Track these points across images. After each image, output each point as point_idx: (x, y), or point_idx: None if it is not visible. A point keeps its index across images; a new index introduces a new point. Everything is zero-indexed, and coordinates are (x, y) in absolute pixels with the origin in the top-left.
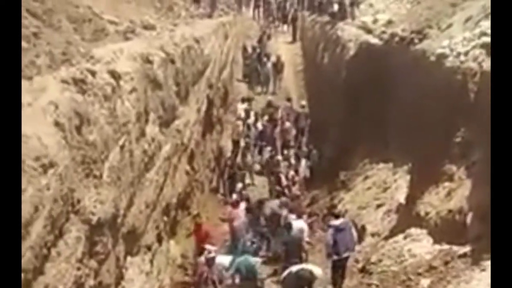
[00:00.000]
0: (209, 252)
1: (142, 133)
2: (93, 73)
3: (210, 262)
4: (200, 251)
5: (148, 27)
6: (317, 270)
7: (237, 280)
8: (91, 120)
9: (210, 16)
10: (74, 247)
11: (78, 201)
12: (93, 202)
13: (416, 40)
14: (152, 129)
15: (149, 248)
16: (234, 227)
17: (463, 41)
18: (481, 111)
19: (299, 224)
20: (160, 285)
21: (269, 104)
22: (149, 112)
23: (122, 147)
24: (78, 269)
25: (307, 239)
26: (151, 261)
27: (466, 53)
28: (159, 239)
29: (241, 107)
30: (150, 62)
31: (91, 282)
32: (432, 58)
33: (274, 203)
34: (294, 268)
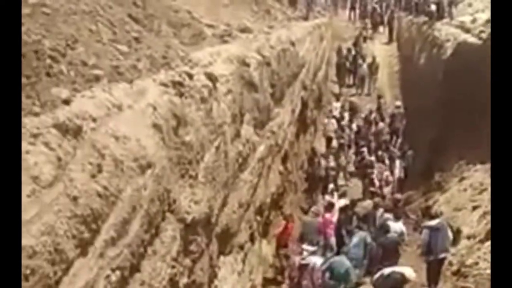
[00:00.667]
0: (303, 253)
1: (237, 134)
2: (190, 76)
3: (303, 266)
4: (281, 249)
5: (245, 30)
6: (409, 272)
7: (327, 279)
8: (188, 121)
9: (306, 18)
10: (169, 246)
11: (174, 201)
12: (188, 201)
13: None
14: (247, 130)
15: (241, 247)
16: (327, 227)
17: None
18: None
19: (397, 226)
20: (252, 284)
21: (353, 105)
22: (244, 114)
23: (217, 148)
24: (173, 267)
25: (404, 241)
26: (243, 261)
27: None
28: (252, 239)
29: (335, 106)
30: (246, 64)
31: (185, 280)
32: None
33: (366, 203)
34: (386, 271)
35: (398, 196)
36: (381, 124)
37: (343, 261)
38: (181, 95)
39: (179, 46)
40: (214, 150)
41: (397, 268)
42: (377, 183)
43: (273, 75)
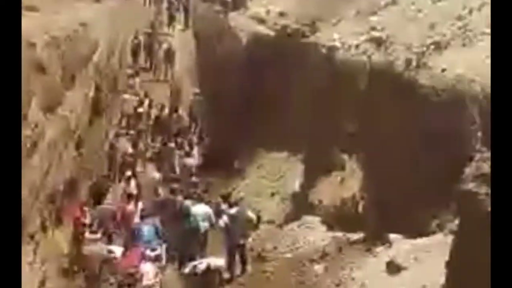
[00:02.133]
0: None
1: (25, 117)
2: None
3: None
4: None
5: (31, 9)
6: (220, 262)
7: None
8: None
9: (97, 0)
10: None
11: None
12: None
13: (307, 33)
14: (35, 113)
15: (32, 237)
16: (127, 217)
17: (352, 35)
18: (371, 103)
19: (200, 209)
20: (44, 276)
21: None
22: (32, 96)
23: None
24: None
25: (207, 225)
26: (35, 251)
27: (356, 46)
28: (44, 228)
29: (128, 96)
30: (32, 45)
31: None
32: (324, 51)
33: (166, 190)
34: (200, 266)
35: (194, 179)
36: (180, 111)
37: None
38: None
39: None
40: None
41: (210, 261)
42: (177, 169)
43: (63, 57)
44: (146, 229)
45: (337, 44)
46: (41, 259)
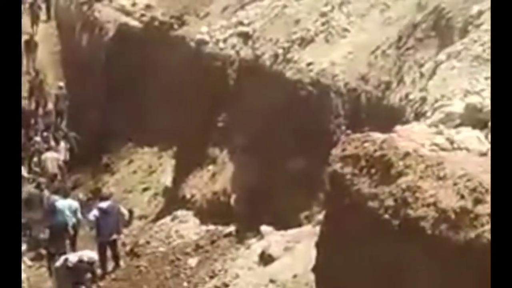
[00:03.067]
0: None
1: None
2: None
3: None
4: None
5: None
6: (93, 254)
7: None
8: None
9: None
10: None
11: None
12: None
13: (175, 26)
14: None
15: None
16: None
17: (220, 29)
18: (241, 97)
19: (66, 203)
20: None
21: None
22: None
23: None
24: None
25: (74, 219)
26: None
27: (224, 41)
28: None
29: None
30: None
31: None
32: (192, 44)
33: (29, 186)
34: (71, 257)
35: (55, 171)
36: (50, 105)
37: None
38: None
39: None
40: None
41: (81, 254)
42: (49, 167)
43: None
44: None
45: (206, 37)
46: None
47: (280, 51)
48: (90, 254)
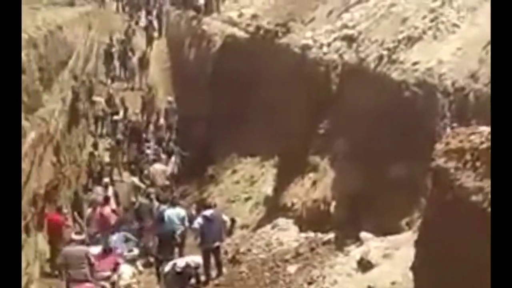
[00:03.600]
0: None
1: None
2: None
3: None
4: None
5: None
6: (198, 259)
7: None
8: None
9: (71, 4)
10: None
11: None
12: None
13: (280, 34)
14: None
15: None
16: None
17: (325, 33)
18: (343, 102)
19: (175, 212)
20: (29, 279)
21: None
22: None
23: None
24: None
25: (182, 228)
26: None
27: (328, 45)
28: (27, 231)
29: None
30: None
31: None
32: (296, 50)
33: (142, 197)
34: (180, 263)
35: (167, 182)
36: (162, 120)
37: None
38: None
39: None
40: None
41: (188, 260)
42: (158, 178)
43: (41, 58)
44: (114, 239)
45: (310, 42)
46: (25, 261)
47: (385, 52)
48: (196, 259)
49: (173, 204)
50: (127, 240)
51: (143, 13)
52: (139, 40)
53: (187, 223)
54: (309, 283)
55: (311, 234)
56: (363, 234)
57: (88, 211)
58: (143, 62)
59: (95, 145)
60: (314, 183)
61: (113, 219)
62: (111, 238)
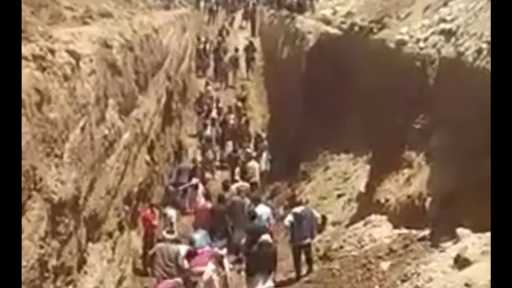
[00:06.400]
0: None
1: (102, 118)
2: (52, 51)
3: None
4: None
5: (105, 14)
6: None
7: None
8: (51, 98)
9: (167, 7)
10: (36, 225)
11: (40, 179)
12: (55, 181)
13: (375, 30)
14: (111, 115)
15: (110, 235)
16: (196, 219)
17: (421, 28)
18: (440, 97)
19: (262, 210)
20: (122, 275)
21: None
22: (109, 97)
23: (82, 128)
24: (41, 247)
25: (269, 223)
26: (113, 249)
27: (425, 40)
28: (121, 228)
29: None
30: (109, 46)
31: (53, 262)
32: (391, 45)
33: (232, 194)
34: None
35: (256, 179)
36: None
37: None
38: (43, 70)
39: (38, 22)
40: (79, 130)
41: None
42: (251, 176)
43: (136, 61)
44: (205, 237)
45: (406, 38)
46: (119, 258)
47: (485, 45)
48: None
49: (265, 201)
50: (217, 237)
51: (238, 14)
52: (232, 40)
53: (274, 221)
54: (403, 281)
55: (405, 231)
56: (460, 230)
57: (180, 209)
58: (237, 62)
59: (188, 144)
60: (408, 179)
61: (204, 216)
62: (202, 236)
